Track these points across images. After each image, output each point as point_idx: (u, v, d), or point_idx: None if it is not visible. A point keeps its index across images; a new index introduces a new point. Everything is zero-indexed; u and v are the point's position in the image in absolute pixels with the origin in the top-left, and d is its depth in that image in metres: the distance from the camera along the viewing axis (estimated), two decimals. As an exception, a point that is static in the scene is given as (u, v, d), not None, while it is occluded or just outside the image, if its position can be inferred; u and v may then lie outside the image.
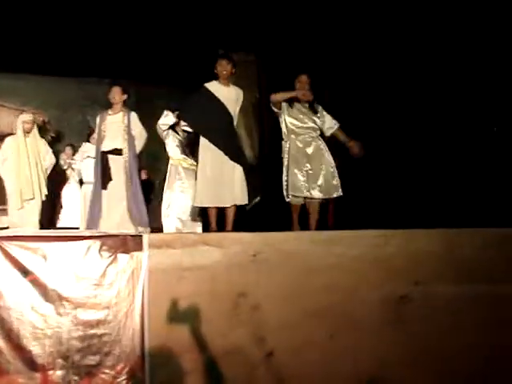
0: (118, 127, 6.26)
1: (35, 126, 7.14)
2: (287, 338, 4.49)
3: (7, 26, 8.08)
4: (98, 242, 4.27)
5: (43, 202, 6.97)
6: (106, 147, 6.24)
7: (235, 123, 5.80)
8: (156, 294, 4.28)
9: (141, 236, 4.37)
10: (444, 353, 4.61)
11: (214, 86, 5.72)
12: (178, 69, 7.73)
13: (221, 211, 5.67)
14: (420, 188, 6.78)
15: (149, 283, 4.27)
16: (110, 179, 6.16)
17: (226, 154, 5.54)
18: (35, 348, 4.12)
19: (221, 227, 5.61)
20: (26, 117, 7.05)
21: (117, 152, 6.21)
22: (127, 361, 4.23)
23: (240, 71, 8.56)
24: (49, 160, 7.15)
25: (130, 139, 6.26)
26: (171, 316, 4.30)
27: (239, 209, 5.70)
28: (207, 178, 5.57)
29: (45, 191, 6.90)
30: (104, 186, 6.16)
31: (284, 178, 5.80)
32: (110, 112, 6.35)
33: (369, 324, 4.63)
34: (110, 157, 6.21)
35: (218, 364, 4.35)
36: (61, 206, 7.99)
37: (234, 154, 5.60)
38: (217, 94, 5.66)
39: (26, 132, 7.01)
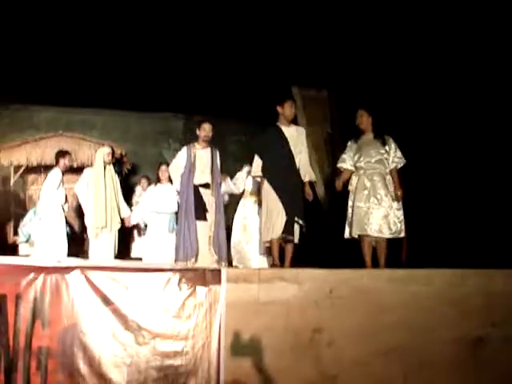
0: (207, 162, 6.44)
1: (111, 159, 7.35)
2: (360, 375, 4.46)
3: (86, 61, 8.41)
4: (177, 275, 4.37)
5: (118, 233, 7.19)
6: (197, 180, 6.41)
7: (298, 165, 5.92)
8: (232, 328, 4.33)
9: (219, 270, 4.45)
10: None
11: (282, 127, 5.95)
12: (252, 105, 7.86)
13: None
14: (498, 227, 6.64)
15: (226, 317, 4.33)
16: (206, 211, 6.31)
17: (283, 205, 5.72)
18: (114, 375, 4.25)
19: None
20: (106, 149, 7.29)
21: (206, 186, 6.38)
22: (203, 392, 4.28)
23: (312, 107, 8.74)
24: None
25: (216, 174, 6.45)
26: (239, 349, 4.35)
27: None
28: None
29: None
30: (200, 217, 6.30)
31: (349, 214, 5.85)
32: (197, 146, 6.52)
33: (443, 364, 4.55)
34: (202, 190, 6.37)
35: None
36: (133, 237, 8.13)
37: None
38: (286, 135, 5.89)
39: (107, 164, 7.25)
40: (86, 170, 7.33)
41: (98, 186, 7.06)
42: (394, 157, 5.75)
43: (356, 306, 4.57)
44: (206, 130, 6.43)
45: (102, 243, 6.94)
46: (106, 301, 4.31)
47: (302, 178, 5.93)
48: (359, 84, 8.11)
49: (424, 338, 4.60)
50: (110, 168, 7.21)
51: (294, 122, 6.17)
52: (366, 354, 4.50)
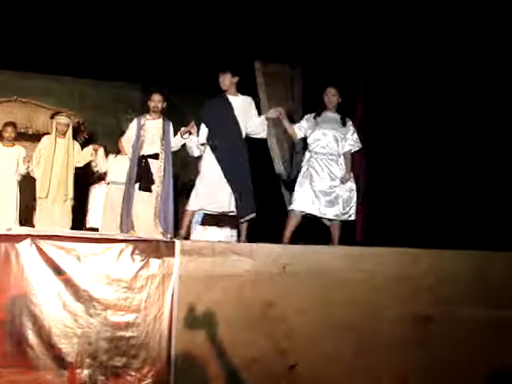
0: (157, 133, 6.36)
1: (70, 128, 7.22)
2: (311, 351, 4.51)
3: (41, 27, 8.20)
4: (130, 246, 4.34)
5: (73, 203, 7.09)
6: (145, 151, 6.34)
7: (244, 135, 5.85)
8: (185, 300, 4.33)
9: (173, 242, 4.43)
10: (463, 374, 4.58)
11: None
12: (209, 78, 7.81)
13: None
14: (453, 207, 6.73)
15: (179, 289, 4.32)
16: (153, 182, 6.25)
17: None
18: (64, 346, 4.22)
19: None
20: (62, 119, 7.16)
21: (155, 157, 6.31)
22: (153, 364, 4.28)
23: (274, 83, 8.69)
24: (82, 162, 7.23)
25: (167, 146, 6.36)
26: (193, 322, 4.36)
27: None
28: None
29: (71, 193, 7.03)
30: (146, 189, 6.24)
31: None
32: (148, 117, 6.44)
33: (392, 342, 4.61)
34: (150, 161, 6.31)
35: (241, 373, 4.38)
36: (89, 207, 8.01)
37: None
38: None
39: (61, 134, 7.11)
40: (43, 138, 7.19)
41: (46, 156, 6.95)
42: (350, 139, 5.71)
43: (309, 282, 4.59)
44: (155, 100, 6.36)
45: (48, 214, 6.85)
46: (58, 271, 4.26)
47: (258, 136, 5.90)
48: (325, 60, 8.07)
49: (375, 315, 4.64)
50: (68, 139, 7.09)
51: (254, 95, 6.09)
52: (318, 330, 4.54)
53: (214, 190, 5.61)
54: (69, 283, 4.26)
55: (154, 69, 8.68)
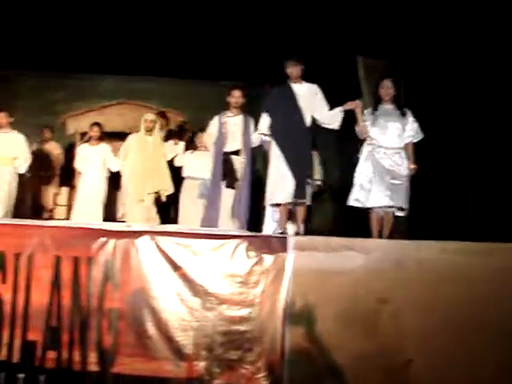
0: (238, 129, 6.43)
1: (157, 125, 7.40)
2: (425, 347, 4.42)
3: (145, 33, 8.49)
4: (244, 242, 4.41)
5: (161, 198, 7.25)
6: (227, 148, 6.42)
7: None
8: (298, 295, 4.35)
9: (285, 238, 4.47)
10: None
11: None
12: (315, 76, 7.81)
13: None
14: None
15: (291, 284, 4.35)
16: (237, 179, 6.32)
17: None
18: (182, 338, 4.34)
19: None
20: (148, 116, 7.37)
21: (237, 153, 6.38)
22: (267, 358, 4.34)
23: (375, 77, 8.57)
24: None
25: (248, 142, 6.40)
26: (305, 317, 4.36)
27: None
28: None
29: (167, 188, 7.19)
30: (230, 185, 6.33)
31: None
32: (229, 114, 6.52)
33: (506, 337, 4.45)
34: (233, 157, 6.39)
35: (353, 369, 4.34)
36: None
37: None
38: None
39: (148, 130, 7.29)
40: (130, 135, 7.45)
41: (134, 152, 7.18)
42: (411, 130, 5.59)
43: (421, 277, 4.50)
44: (235, 96, 6.44)
45: (136, 209, 7.06)
46: (175, 266, 4.40)
47: (329, 126, 5.82)
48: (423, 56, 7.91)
49: (487, 310, 4.48)
50: (155, 135, 7.29)
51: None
52: (432, 326, 4.45)
53: (280, 179, 5.61)
54: (185, 278, 4.39)
55: (256, 68, 8.75)
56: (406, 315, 4.43)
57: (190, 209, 7.00)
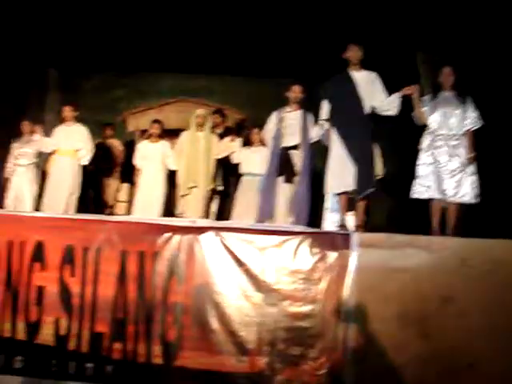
0: (297, 124, 6.42)
1: (208, 121, 7.45)
2: (490, 348, 4.33)
3: (205, 32, 8.58)
4: (308, 239, 4.42)
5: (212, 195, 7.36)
6: (286, 143, 6.42)
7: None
8: (362, 293, 4.33)
9: (349, 234, 4.45)
10: None
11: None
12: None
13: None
14: None
15: (355, 281, 4.34)
16: (295, 174, 6.33)
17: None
18: (245, 333, 4.38)
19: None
20: (199, 111, 7.42)
21: (295, 148, 6.38)
22: (329, 355, 4.32)
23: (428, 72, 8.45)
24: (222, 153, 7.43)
25: (307, 137, 6.39)
26: (368, 314, 4.33)
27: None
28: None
29: (211, 184, 7.25)
30: (288, 180, 6.33)
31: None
32: (288, 109, 6.53)
33: None
34: (291, 152, 6.39)
35: (414, 370, 4.30)
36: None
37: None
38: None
39: (200, 126, 7.37)
40: (183, 132, 7.53)
41: (187, 149, 7.27)
42: (471, 117, 5.47)
43: (488, 277, 4.41)
44: (295, 91, 6.44)
45: (191, 204, 7.14)
46: (239, 262, 4.45)
47: (387, 113, 5.75)
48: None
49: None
50: (206, 131, 7.36)
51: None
52: (497, 327, 4.36)
53: (341, 168, 5.59)
54: (249, 274, 4.43)
55: (314, 66, 8.73)
56: (471, 316, 4.34)
57: (248, 205, 7.03)
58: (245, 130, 8.59)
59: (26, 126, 7.60)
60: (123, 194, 8.76)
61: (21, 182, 7.42)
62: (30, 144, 7.52)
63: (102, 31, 8.74)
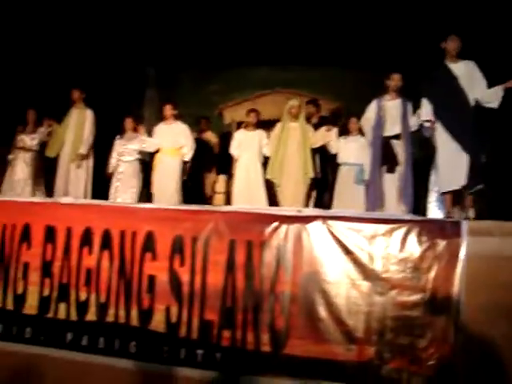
0: (397, 113, 6.34)
1: (302, 111, 7.44)
2: None
3: (299, 20, 8.58)
4: (416, 227, 4.35)
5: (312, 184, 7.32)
6: (387, 132, 6.35)
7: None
8: (473, 282, 4.23)
9: (459, 222, 4.35)
10: None
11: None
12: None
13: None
14: None
15: (465, 270, 4.24)
16: (397, 164, 6.25)
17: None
18: (352, 322, 4.37)
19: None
20: (291, 102, 7.41)
21: (396, 137, 6.30)
22: (438, 346, 4.24)
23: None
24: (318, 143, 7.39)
25: (407, 126, 6.29)
26: (485, 305, 4.21)
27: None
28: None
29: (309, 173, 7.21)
30: (390, 170, 6.26)
31: None
32: (387, 98, 6.44)
33: None
34: (393, 142, 6.31)
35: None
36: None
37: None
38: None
39: (293, 117, 7.36)
40: (277, 123, 7.54)
41: (281, 139, 7.27)
42: None
43: None
44: (395, 79, 6.37)
45: (286, 194, 7.15)
46: (346, 250, 4.43)
47: (489, 105, 5.58)
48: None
49: None
50: (302, 121, 7.34)
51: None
52: None
53: (450, 166, 5.50)
54: (357, 262, 4.40)
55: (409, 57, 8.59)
56: None
57: (346, 194, 7.00)
58: (340, 119, 8.56)
59: (129, 123, 7.86)
60: (220, 186, 8.92)
61: (125, 176, 7.69)
62: (133, 141, 7.78)
63: (194, 28, 8.96)
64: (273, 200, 7.32)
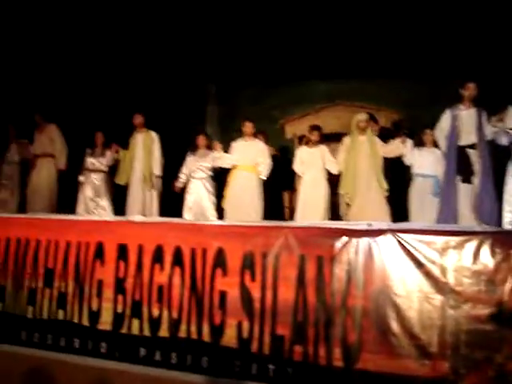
0: (472, 122, 6.24)
1: (370, 124, 7.46)
2: None
3: (356, 34, 8.59)
4: (489, 238, 4.27)
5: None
6: (462, 142, 6.26)
7: None
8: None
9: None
10: None
11: None
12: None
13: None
14: None
15: (542, 282, 4.14)
16: (473, 174, 6.15)
17: None
18: (426, 337, 4.28)
19: None
20: (361, 116, 7.39)
21: (472, 147, 6.21)
22: (518, 360, 4.14)
23: None
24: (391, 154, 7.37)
25: (483, 135, 6.20)
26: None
27: None
28: None
29: (382, 186, 7.18)
30: (466, 180, 6.17)
31: None
32: (461, 107, 6.35)
33: None
34: (469, 151, 6.22)
35: None
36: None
37: None
38: None
39: (362, 130, 7.34)
40: (344, 138, 7.53)
41: (351, 153, 7.24)
42: None
43: None
44: (469, 88, 6.33)
45: (359, 207, 7.11)
46: (418, 263, 4.37)
47: None
48: None
49: None
50: (370, 134, 7.32)
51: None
52: None
53: None
54: (429, 275, 4.33)
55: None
56: None
57: (421, 207, 6.94)
58: (402, 130, 8.50)
59: (201, 140, 8.02)
60: (284, 201, 8.98)
61: (198, 193, 7.82)
62: (205, 158, 7.91)
63: (254, 44, 9.06)
64: (338, 215, 7.34)
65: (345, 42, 8.96)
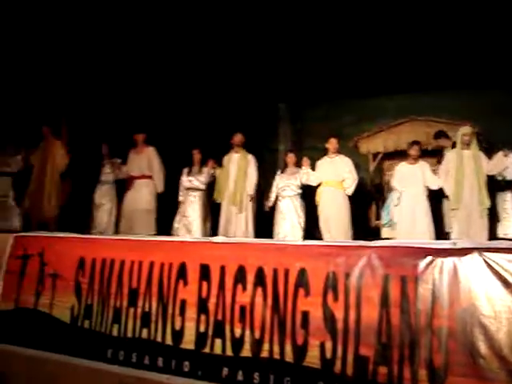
0: None
1: (474, 138, 7.28)
2: None
3: (424, 47, 8.49)
4: None
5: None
6: None
7: None
8: None
9: None
10: None
11: None
12: None
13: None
14: None
15: None
16: None
17: None
18: (516, 359, 4.16)
19: None
20: (465, 130, 7.26)
21: None
22: None
23: None
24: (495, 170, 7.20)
25: None
26: None
27: None
28: None
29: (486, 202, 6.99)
30: None
31: None
32: None
33: None
34: None
35: None
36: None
37: None
38: None
39: (465, 144, 7.19)
40: (447, 153, 7.40)
41: (456, 168, 7.10)
42: None
43: None
44: None
45: (464, 224, 6.97)
46: (506, 283, 4.25)
47: None
48: None
49: None
50: (473, 148, 7.17)
51: None
52: None
53: None
54: (510, 295, 4.23)
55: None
56: None
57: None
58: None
59: (290, 157, 8.12)
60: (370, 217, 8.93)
61: (289, 212, 7.84)
62: (294, 176, 7.97)
63: (324, 61, 9.11)
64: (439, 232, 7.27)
65: (414, 56, 8.88)
